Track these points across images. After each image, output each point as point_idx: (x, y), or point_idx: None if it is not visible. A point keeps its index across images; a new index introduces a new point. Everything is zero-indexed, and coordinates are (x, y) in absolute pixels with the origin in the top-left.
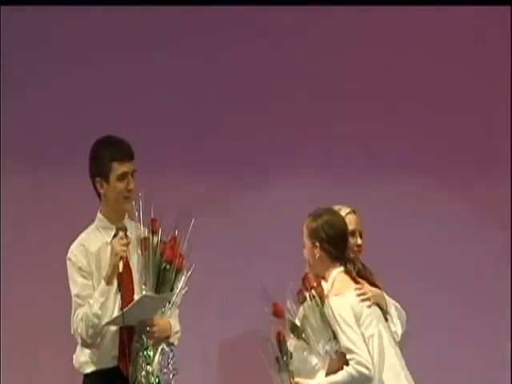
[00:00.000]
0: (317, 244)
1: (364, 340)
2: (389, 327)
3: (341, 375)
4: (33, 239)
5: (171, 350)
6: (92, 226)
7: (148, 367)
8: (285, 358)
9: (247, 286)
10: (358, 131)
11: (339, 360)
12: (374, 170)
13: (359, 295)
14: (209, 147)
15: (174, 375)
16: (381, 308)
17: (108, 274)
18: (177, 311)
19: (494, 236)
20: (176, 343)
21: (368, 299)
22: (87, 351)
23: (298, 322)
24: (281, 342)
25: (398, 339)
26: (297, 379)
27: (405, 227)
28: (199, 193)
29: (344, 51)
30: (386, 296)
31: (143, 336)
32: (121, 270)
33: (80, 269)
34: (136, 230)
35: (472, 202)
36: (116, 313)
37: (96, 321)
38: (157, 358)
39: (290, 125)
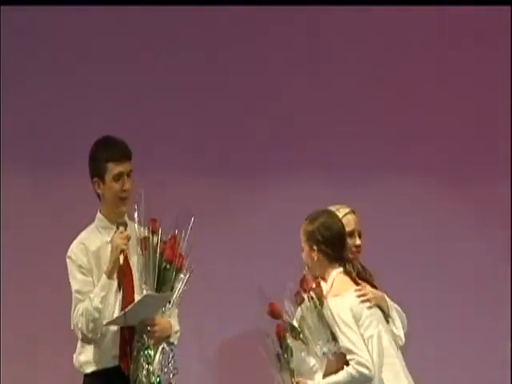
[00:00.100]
0: (314, 247)
1: (364, 340)
2: (391, 330)
3: (341, 375)
4: (33, 239)
5: (171, 350)
6: (92, 226)
7: (149, 366)
8: (286, 356)
9: (247, 286)
10: (357, 131)
11: (337, 361)
12: (374, 170)
13: (359, 296)
14: (209, 147)
15: (174, 375)
16: (382, 310)
17: (109, 268)
18: (176, 311)
19: (494, 236)
20: (176, 343)
21: (368, 300)
22: (88, 351)
23: (295, 323)
24: (281, 338)
25: (401, 343)
26: (298, 379)
27: (405, 227)
28: (199, 193)
29: (344, 51)
30: (387, 299)
31: (144, 335)
32: (121, 262)
33: (80, 266)
34: (136, 230)
35: (472, 201)
36: (117, 310)
37: (97, 315)
38: (157, 357)
39: (290, 125)
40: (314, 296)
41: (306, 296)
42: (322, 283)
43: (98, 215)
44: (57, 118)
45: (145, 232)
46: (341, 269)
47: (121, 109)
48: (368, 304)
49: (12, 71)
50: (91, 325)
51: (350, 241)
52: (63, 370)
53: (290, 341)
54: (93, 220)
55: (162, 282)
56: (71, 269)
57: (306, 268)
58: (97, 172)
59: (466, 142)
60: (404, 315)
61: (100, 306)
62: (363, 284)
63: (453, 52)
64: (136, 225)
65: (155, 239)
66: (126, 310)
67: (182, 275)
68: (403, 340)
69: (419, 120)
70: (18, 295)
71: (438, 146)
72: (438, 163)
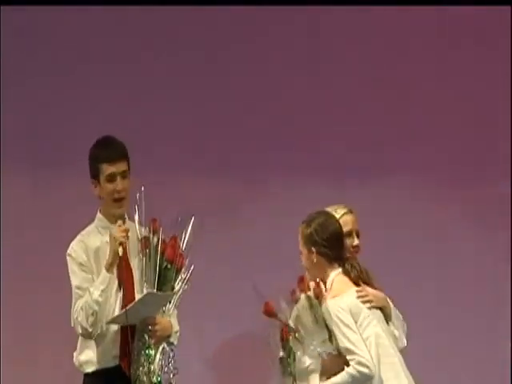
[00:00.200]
0: (313, 249)
1: (363, 340)
2: (391, 331)
3: (340, 377)
4: (33, 239)
5: (172, 350)
6: (92, 226)
7: (150, 366)
8: (288, 359)
9: (247, 286)
10: (357, 131)
11: (332, 361)
12: (374, 170)
13: (360, 297)
14: (209, 147)
15: (174, 375)
16: (384, 311)
17: (108, 262)
18: (175, 311)
19: (494, 236)
20: (176, 343)
21: (369, 301)
22: (88, 350)
23: (290, 323)
24: (284, 340)
25: (402, 346)
26: None
27: (405, 227)
28: (199, 193)
29: (344, 51)
30: (390, 302)
31: (145, 335)
32: (120, 254)
33: (80, 264)
34: (136, 230)
35: (472, 202)
36: (117, 309)
37: (96, 307)
38: (158, 357)
39: (290, 125)
40: (313, 295)
41: (302, 295)
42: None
43: (98, 215)
44: (57, 118)
45: (145, 232)
46: (340, 269)
47: (121, 109)
48: (368, 304)
49: (12, 71)
50: (91, 318)
51: (347, 241)
52: (63, 369)
53: (291, 343)
54: (93, 220)
55: (163, 281)
56: (71, 266)
57: (307, 272)
58: (93, 173)
59: (465, 142)
60: (401, 316)
61: (100, 299)
62: (362, 284)
63: (453, 52)
64: (137, 225)
65: (155, 239)
66: (128, 307)
67: (182, 275)
68: (404, 342)
69: (419, 120)
70: (17, 295)
71: (438, 146)
72: (437, 163)
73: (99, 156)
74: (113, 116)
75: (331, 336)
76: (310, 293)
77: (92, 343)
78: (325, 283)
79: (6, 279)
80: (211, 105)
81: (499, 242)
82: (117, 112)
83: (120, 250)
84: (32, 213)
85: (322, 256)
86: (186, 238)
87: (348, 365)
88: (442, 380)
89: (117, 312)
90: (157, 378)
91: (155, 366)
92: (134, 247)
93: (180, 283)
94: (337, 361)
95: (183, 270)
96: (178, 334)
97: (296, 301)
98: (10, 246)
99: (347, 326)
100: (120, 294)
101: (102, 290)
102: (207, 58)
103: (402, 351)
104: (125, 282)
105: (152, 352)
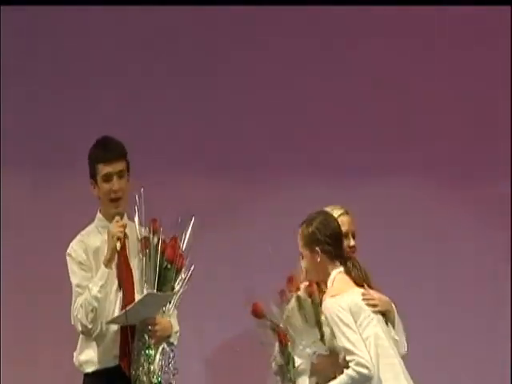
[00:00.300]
0: (317, 248)
1: (363, 340)
2: (392, 336)
3: (338, 380)
4: (33, 239)
5: (172, 350)
6: (92, 226)
7: (150, 366)
8: (288, 366)
9: (247, 286)
10: (357, 132)
11: (324, 362)
12: (374, 170)
13: (365, 300)
14: (209, 147)
15: (174, 375)
16: (388, 316)
17: (107, 258)
18: (175, 311)
19: (494, 236)
20: (176, 343)
21: (374, 305)
22: (88, 350)
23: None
24: (283, 346)
25: (404, 351)
26: None
27: (405, 227)
28: (199, 193)
29: (344, 51)
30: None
31: (145, 335)
32: (118, 248)
33: (80, 263)
34: (136, 230)
35: (472, 202)
36: (117, 309)
37: (95, 303)
38: (158, 357)
39: (290, 125)
40: (305, 295)
41: (292, 295)
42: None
43: (98, 215)
44: (57, 118)
45: (145, 232)
46: (341, 268)
47: (121, 109)
48: (373, 308)
49: (12, 71)
50: (90, 315)
51: (344, 242)
52: (63, 369)
53: (290, 349)
54: (93, 220)
55: (163, 281)
56: (71, 265)
57: (304, 274)
58: (91, 173)
59: (466, 142)
60: (405, 334)
61: (99, 295)
62: (364, 284)
63: (453, 52)
64: (137, 225)
65: (156, 239)
66: (128, 308)
67: (182, 275)
68: (405, 346)
69: (419, 120)
70: (17, 295)
71: (438, 146)
72: (437, 163)
73: (96, 156)
74: (113, 116)
75: (323, 336)
76: (300, 293)
77: (92, 343)
78: (325, 284)
79: (6, 279)
80: (211, 105)
81: (499, 242)
82: (117, 112)
83: (118, 244)
84: (32, 213)
85: (325, 254)
86: (186, 238)
87: (341, 365)
88: (442, 380)
89: (117, 312)
90: (157, 378)
91: (155, 366)
92: (133, 247)
93: (180, 283)
94: (328, 361)
95: (183, 270)
96: (178, 334)
97: (287, 301)
98: (10, 245)
99: (347, 325)
100: (120, 294)
101: (101, 286)
102: (207, 58)
103: (404, 357)
104: (125, 282)
105: (152, 352)
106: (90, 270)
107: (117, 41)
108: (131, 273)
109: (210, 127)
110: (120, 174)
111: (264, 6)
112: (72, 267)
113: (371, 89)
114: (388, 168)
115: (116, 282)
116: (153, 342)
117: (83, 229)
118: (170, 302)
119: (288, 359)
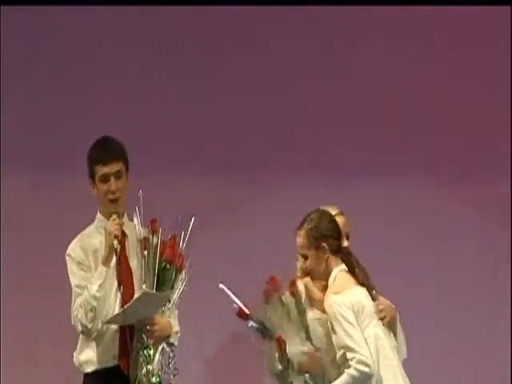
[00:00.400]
0: (323, 244)
1: (364, 338)
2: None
3: (339, 381)
4: (33, 239)
5: (172, 351)
6: (92, 226)
7: (148, 366)
8: (288, 370)
9: (247, 286)
10: (357, 132)
11: (309, 360)
12: (374, 170)
13: (378, 311)
14: (209, 147)
15: (174, 375)
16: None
17: (105, 256)
18: (176, 311)
19: (494, 236)
20: (176, 343)
21: (385, 317)
22: (88, 350)
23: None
24: (282, 350)
25: (404, 357)
26: None
27: (405, 227)
28: (199, 193)
29: (344, 51)
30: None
31: (144, 335)
32: (115, 246)
33: (80, 263)
34: (136, 230)
35: (472, 202)
36: (117, 308)
37: (94, 303)
38: (157, 357)
39: (290, 125)
40: (289, 295)
41: (275, 295)
42: (299, 282)
43: (98, 215)
44: (57, 118)
45: (145, 232)
46: (343, 265)
47: (121, 109)
48: (382, 321)
49: (12, 71)
50: (90, 314)
51: None
52: (63, 369)
53: (289, 354)
54: (93, 220)
55: (162, 282)
56: (70, 266)
57: (300, 274)
58: (90, 174)
59: (466, 142)
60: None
61: (97, 294)
62: (381, 298)
63: (453, 52)
64: (136, 225)
65: (155, 239)
66: (125, 307)
67: (181, 275)
68: (405, 352)
69: (419, 120)
70: (18, 295)
71: (438, 146)
72: (437, 163)
73: (94, 157)
74: (113, 116)
75: (309, 335)
76: (287, 293)
77: (92, 343)
78: (327, 284)
79: (6, 279)
80: (211, 105)
81: (499, 242)
82: (117, 112)
83: (115, 242)
84: (32, 213)
85: (331, 247)
86: (186, 238)
87: (331, 363)
88: (442, 380)
89: (117, 307)
90: (156, 379)
91: (154, 367)
92: (133, 248)
93: (180, 283)
94: (314, 360)
95: (183, 270)
96: (178, 334)
97: (268, 301)
98: (10, 246)
99: (350, 322)
100: (119, 295)
101: (100, 285)
102: (207, 58)
103: (403, 364)
104: (124, 282)
105: (151, 352)
106: (89, 270)
107: (117, 41)
108: (131, 273)
109: (210, 127)
110: (117, 175)
111: (264, 6)
112: (71, 267)
113: (371, 89)
114: (388, 168)
115: (116, 283)
116: (151, 342)
117: (83, 229)
118: (169, 302)
119: (287, 364)
